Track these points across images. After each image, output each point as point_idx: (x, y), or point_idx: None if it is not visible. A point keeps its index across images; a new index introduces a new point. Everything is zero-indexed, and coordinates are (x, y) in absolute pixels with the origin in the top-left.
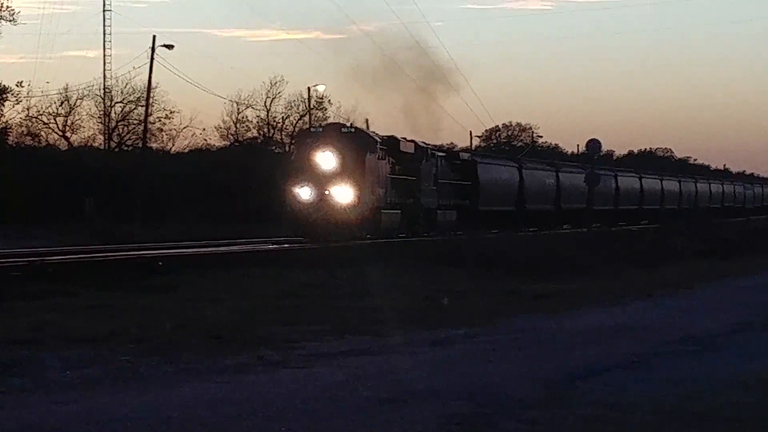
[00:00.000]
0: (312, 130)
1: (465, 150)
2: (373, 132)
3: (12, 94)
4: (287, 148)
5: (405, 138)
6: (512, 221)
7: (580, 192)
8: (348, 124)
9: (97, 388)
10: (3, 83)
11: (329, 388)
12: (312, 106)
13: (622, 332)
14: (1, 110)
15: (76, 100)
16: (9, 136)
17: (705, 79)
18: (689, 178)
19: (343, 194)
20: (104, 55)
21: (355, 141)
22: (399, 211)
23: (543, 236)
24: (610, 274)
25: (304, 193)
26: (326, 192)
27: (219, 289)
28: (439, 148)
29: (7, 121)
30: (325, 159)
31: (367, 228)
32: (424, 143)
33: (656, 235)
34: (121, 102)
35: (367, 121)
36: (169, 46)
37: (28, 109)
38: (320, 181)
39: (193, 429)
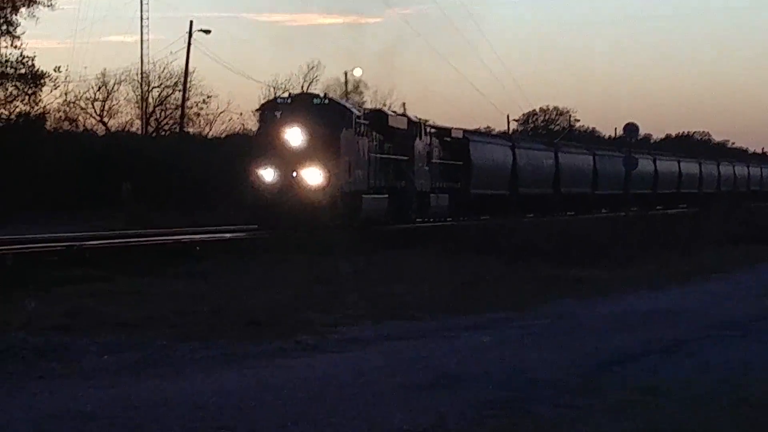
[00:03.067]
0: (279, 100)
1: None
2: (354, 103)
3: (50, 80)
4: None
5: (396, 112)
6: (505, 206)
7: (584, 174)
8: (321, 95)
9: (133, 373)
10: (41, 68)
11: (366, 373)
12: (349, 91)
13: (658, 317)
14: (39, 95)
15: (114, 85)
16: (47, 121)
17: (744, 62)
18: (727, 161)
19: (313, 176)
20: (141, 40)
21: (329, 114)
22: (386, 196)
23: (578, 220)
24: (647, 259)
25: (267, 174)
26: (293, 174)
27: (255, 274)
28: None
29: (45, 107)
30: (293, 135)
31: (344, 215)
32: (418, 117)
33: (694, 219)
34: (158, 87)
35: (404, 105)
36: (207, 31)
37: (65, 95)
38: (287, 160)
39: (230, 414)
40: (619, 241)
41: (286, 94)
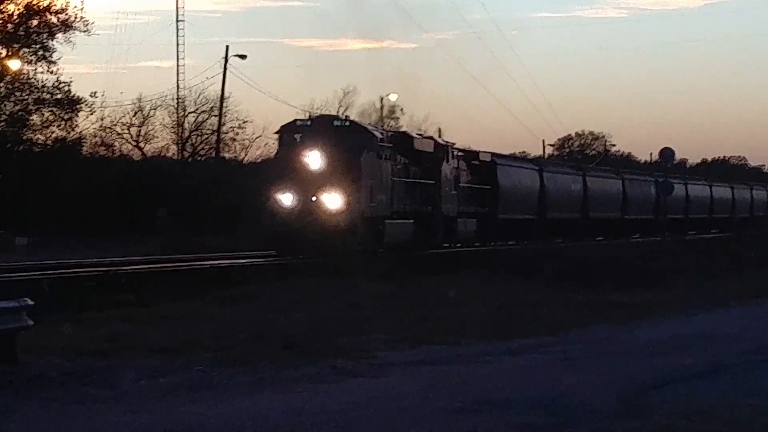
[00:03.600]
0: (299, 122)
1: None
2: (376, 126)
3: (86, 105)
4: None
5: (422, 134)
6: (531, 229)
7: (613, 199)
8: (342, 117)
9: (170, 398)
10: (77, 94)
11: (404, 398)
12: (384, 116)
13: (696, 342)
14: (76, 121)
15: (150, 110)
16: (83, 146)
17: None
18: (761, 185)
19: (333, 200)
20: (177, 66)
21: (349, 136)
22: (411, 221)
23: (613, 245)
24: (682, 284)
25: (286, 198)
26: (312, 198)
27: (291, 299)
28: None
29: (81, 132)
30: (312, 158)
31: (366, 241)
32: (446, 141)
33: (728, 244)
34: (194, 112)
35: (439, 130)
36: (242, 56)
37: (101, 120)
38: (306, 184)
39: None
40: (655, 266)
41: (306, 116)
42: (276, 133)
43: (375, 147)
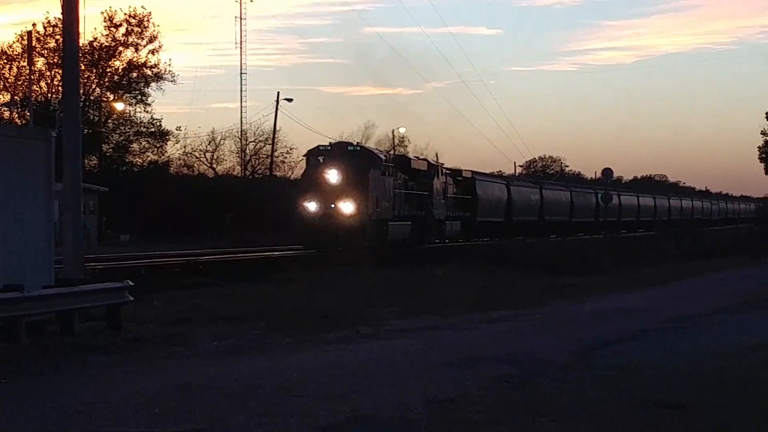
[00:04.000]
0: (321, 148)
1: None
2: (381, 150)
3: (172, 136)
4: None
5: (418, 156)
6: (501, 230)
7: (563, 206)
8: (354, 143)
9: (235, 354)
10: (166, 128)
11: (409, 354)
12: (396, 144)
13: (627, 313)
14: (165, 148)
15: (220, 140)
16: (170, 167)
17: (695, 120)
18: (674, 196)
19: (347, 207)
20: (241, 106)
21: (360, 158)
22: (409, 223)
23: (564, 241)
24: (617, 270)
25: (311, 206)
26: (332, 205)
27: (324, 282)
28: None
29: (169, 156)
30: (331, 175)
31: (373, 238)
32: (436, 161)
33: (652, 240)
34: (253, 141)
35: (437, 154)
36: (289, 100)
37: (184, 147)
38: (327, 195)
39: (308, 386)
40: (596, 257)
41: (327, 143)
42: (304, 155)
43: (380, 166)
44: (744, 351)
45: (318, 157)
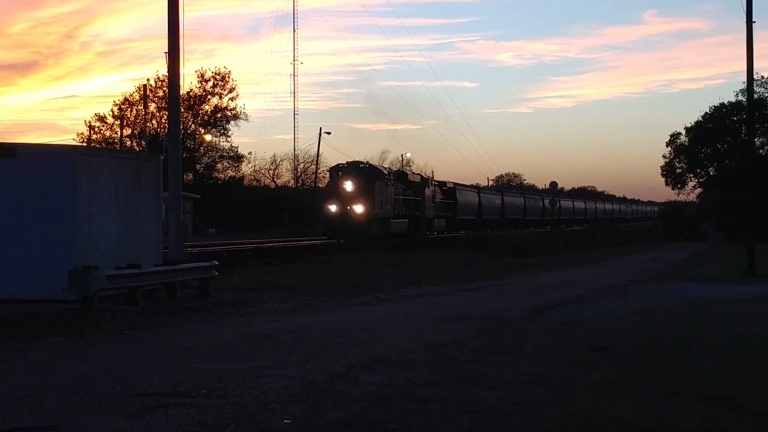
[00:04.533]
0: (340, 165)
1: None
2: (385, 167)
3: (245, 159)
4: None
5: (414, 172)
6: (477, 227)
7: (518, 208)
8: (364, 162)
9: (290, 313)
10: (240, 153)
11: (413, 313)
12: (403, 164)
13: (569, 284)
14: (240, 167)
15: (279, 161)
16: (244, 180)
17: (616, 147)
18: (600, 201)
19: (358, 209)
20: (294, 137)
21: (368, 173)
22: (406, 220)
23: (520, 233)
24: (561, 254)
25: (333, 207)
26: (347, 207)
27: (354, 262)
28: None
29: (242, 173)
30: (347, 185)
31: (378, 231)
32: (427, 176)
33: (585, 233)
34: (302, 162)
35: (432, 172)
36: (328, 133)
37: (254, 167)
38: (344, 200)
39: (342, 335)
40: (544, 244)
41: (345, 162)
42: (328, 170)
43: (383, 179)
44: (647, 310)
45: (338, 172)
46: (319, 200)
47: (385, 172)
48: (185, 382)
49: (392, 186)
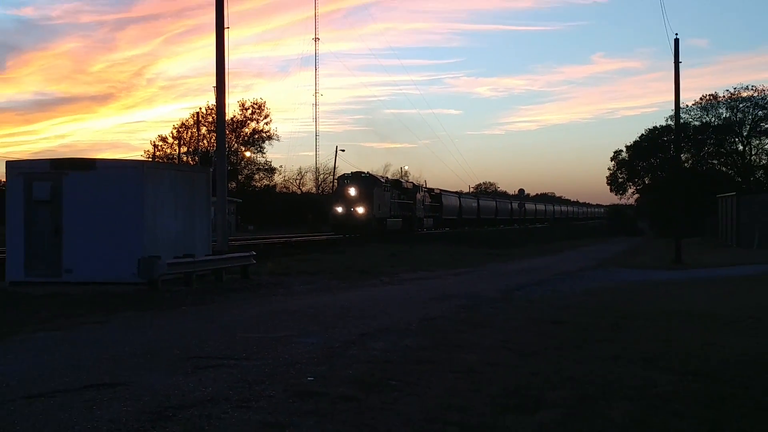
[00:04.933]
0: (345, 175)
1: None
2: (383, 176)
3: (277, 171)
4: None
5: (407, 180)
6: (458, 225)
7: (491, 209)
8: (365, 172)
9: (313, 293)
10: (273, 166)
11: (409, 293)
12: (402, 175)
13: (533, 270)
14: (273, 178)
15: (304, 172)
16: (276, 188)
17: (571, 160)
18: (558, 204)
19: (360, 210)
20: (316, 154)
21: (367, 181)
22: (400, 219)
23: (492, 230)
24: (528, 247)
25: (339, 209)
26: (351, 209)
27: (362, 252)
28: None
29: (275, 182)
30: (351, 191)
31: (377, 229)
32: (418, 183)
33: (547, 230)
34: (323, 174)
35: (425, 181)
36: (342, 150)
37: (284, 177)
38: (348, 203)
39: (354, 310)
40: (513, 238)
41: (349, 172)
42: (336, 179)
43: (381, 186)
44: (595, 291)
45: (344, 180)
46: (329, 203)
47: (383, 180)
48: (230, 347)
49: (388, 192)
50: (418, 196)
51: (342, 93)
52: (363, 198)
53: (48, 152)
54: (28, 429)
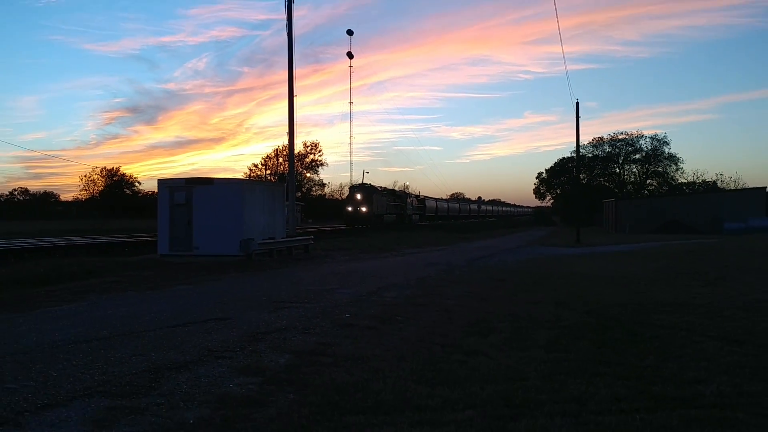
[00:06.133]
0: (354, 185)
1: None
2: (382, 187)
3: (326, 186)
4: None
5: (401, 189)
6: (436, 220)
7: (457, 210)
8: (368, 183)
9: (349, 262)
10: (323, 182)
11: (409, 262)
12: (405, 187)
13: (487, 248)
14: (323, 189)
15: (343, 186)
16: (325, 196)
17: (512, 179)
18: (503, 206)
19: (363, 209)
20: (350, 174)
21: (369, 189)
22: (394, 215)
23: (463, 223)
24: (484, 233)
25: (349, 208)
26: (359, 208)
27: (379, 236)
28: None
29: (325, 192)
30: (359, 196)
31: (376, 222)
32: (408, 191)
33: (494, 223)
34: (352, 186)
35: (419, 192)
36: (367, 172)
37: (330, 189)
38: (355, 204)
39: (372, 272)
40: (475, 228)
41: (357, 183)
42: (349, 188)
43: (378, 192)
44: (525, 260)
45: (353, 189)
46: (343, 205)
47: (380, 189)
48: (297, 296)
49: (385, 196)
50: (409, 200)
51: (366, 136)
52: (365, 201)
53: (183, 174)
54: (172, 345)
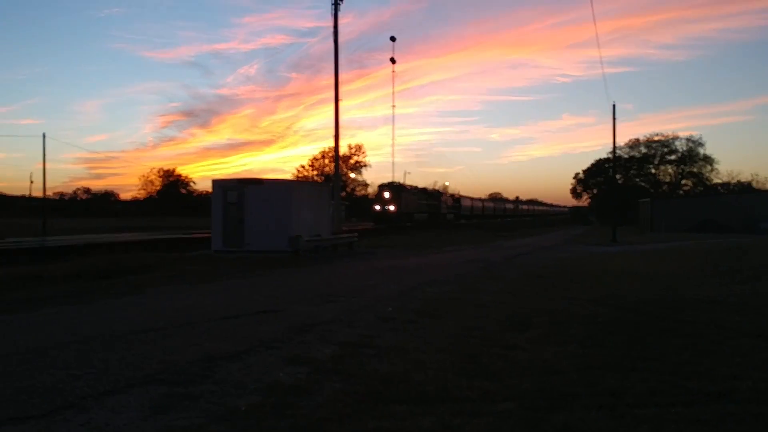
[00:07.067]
0: (382, 184)
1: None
2: (411, 185)
3: (369, 186)
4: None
5: (433, 188)
6: (472, 219)
7: (491, 208)
8: (396, 182)
9: (391, 259)
10: (367, 182)
11: (449, 259)
12: (445, 187)
13: (524, 246)
14: (367, 189)
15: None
16: (368, 196)
17: (547, 179)
18: (540, 205)
19: (391, 208)
20: (393, 175)
21: (398, 188)
22: (426, 214)
23: (501, 222)
24: (520, 231)
25: (377, 207)
26: (386, 207)
27: (419, 234)
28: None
29: (368, 192)
30: (387, 195)
31: (404, 221)
32: (444, 190)
33: (531, 223)
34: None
35: (459, 191)
36: (408, 173)
37: (374, 189)
38: (385, 202)
39: (416, 266)
40: (512, 227)
41: (386, 182)
42: (378, 186)
43: (408, 191)
44: (562, 258)
45: (381, 188)
46: (372, 203)
47: (409, 187)
48: (341, 290)
49: (415, 195)
50: (443, 198)
51: (408, 138)
52: (393, 199)
53: (235, 174)
54: (224, 335)
